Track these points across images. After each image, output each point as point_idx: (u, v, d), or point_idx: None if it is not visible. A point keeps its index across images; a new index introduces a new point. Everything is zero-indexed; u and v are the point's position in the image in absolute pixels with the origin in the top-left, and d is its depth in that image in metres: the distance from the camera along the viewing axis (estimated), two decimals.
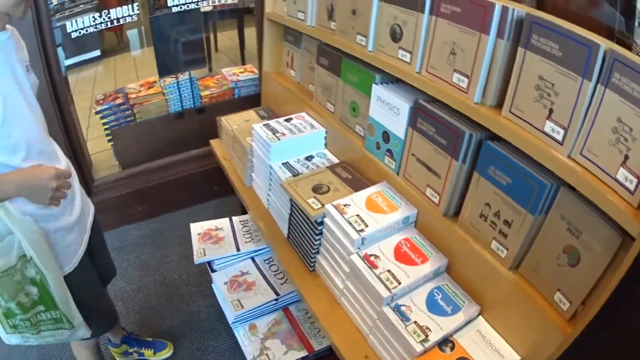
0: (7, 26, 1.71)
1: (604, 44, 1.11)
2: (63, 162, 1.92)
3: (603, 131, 1.13)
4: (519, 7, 1.35)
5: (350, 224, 1.77)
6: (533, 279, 1.42)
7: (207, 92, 3.98)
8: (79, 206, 1.97)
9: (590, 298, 1.22)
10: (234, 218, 3.01)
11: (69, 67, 3.57)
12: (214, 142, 3.25)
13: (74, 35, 3.34)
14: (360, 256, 1.71)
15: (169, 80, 3.90)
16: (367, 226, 1.75)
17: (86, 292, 2.00)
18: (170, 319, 3.03)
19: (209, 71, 5.95)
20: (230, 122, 2.92)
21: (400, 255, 1.71)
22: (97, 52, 3.58)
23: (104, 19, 3.40)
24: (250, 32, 4.72)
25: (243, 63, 6.29)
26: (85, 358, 2.29)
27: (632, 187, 1.08)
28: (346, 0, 2.05)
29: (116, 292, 3.18)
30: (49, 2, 3.05)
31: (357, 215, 1.80)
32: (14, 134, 1.62)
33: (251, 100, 3.74)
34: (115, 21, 3.48)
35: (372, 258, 1.69)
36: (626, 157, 1.09)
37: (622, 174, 1.10)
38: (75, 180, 2.02)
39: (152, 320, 3.04)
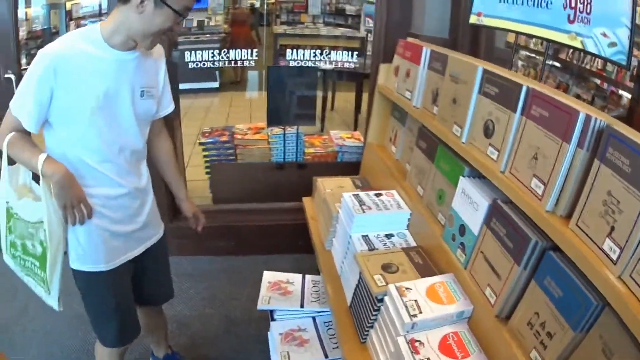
0: (155, 49, 2.00)
1: None
2: (143, 182, 2.19)
3: None
4: (603, 117, 1.41)
5: (406, 307, 1.83)
6: None
7: (311, 150, 4.16)
8: (140, 223, 2.20)
9: None
10: (307, 276, 3.10)
11: (184, 92, 3.79)
12: (306, 200, 3.40)
13: (190, 65, 3.60)
14: (406, 340, 1.76)
15: (277, 130, 4.10)
16: (421, 313, 1.81)
17: (114, 296, 2.19)
18: (220, 352, 3.16)
19: (321, 130, 6.14)
20: (325, 184, 3.06)
21: (444, 347, 1.75)
22: (216, 84, 3.77)
23: (222, 57, 3.65)
24: (367, 97, 4.88)
25: (355, 127, 6.49)
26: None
27: None
28: (449, 88, 2.17)
29: (174, 315, 3.37)
30: None
31: (415, 301, 1.86)
32: (95, 141, 1.90)
33: (351, 167, 3.83)
34: (233, 62, 3.70)
35: (416, 344, 1.74)
36: None
37: None
38: (149, 199, 2.26)
39: (202, 348, 3.18)
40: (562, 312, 1.43)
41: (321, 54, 3.78)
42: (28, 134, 1.87)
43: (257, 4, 10.25)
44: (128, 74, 1.92)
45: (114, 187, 2.03)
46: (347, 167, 3.96)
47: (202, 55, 3.58)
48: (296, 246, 3.98)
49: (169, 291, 2.62)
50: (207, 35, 9.11)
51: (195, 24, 9.33)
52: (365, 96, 5.91)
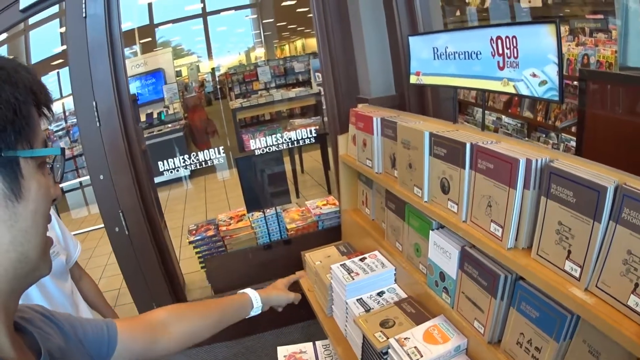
0: None
1: (617, 179, 1.28)
2: None
3: (615, 264, 1.28)
4: (546, 153, 1.56)
5: (408, 355, 1.98)
6: None
7: (293, 225, 4.22)
8: None
9: None
10: (317, 343, 3.16)
11: (161, 184, 3.89)
12: (299, 274, 3.45)
13: (165, 174, 3.75)
14: None
15: (257, 214, 4.20)
16: (422, 356, 1.97)
17: None
18: None
19: (296, 196, 6.21)
20: (313, 257, 3.18)
21: None
22: (187, 172, 3.86)
23: (192, 161, 3.79)
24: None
25: (328, 185, 6.63)
26: None
27: None
28: (403, 155, 2.31)
29: None
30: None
31: (415, 347, 2.02)
32: None
33: (334, 232, 3.94)
34: (203, 163, 3.85)
35: None
36: (636, 285, 1.23)
37: (633, 300, 1.24)
38: None
39: None
40: (542, 329, 1.58)
41: (282, 137, 3.92)
42: None
43: (209, 84, 10.39)
44: None
45: None
46: (329, 233, 4.06)
47: (174, 162, 3.72)
48: (300, 315, 4.04)
49: None
50: (169, 125, 9.26)
51: (155, 115, 9.45)
52: (330, 151, 6.05)
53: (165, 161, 3.70)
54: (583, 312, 1.37)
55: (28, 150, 0.80)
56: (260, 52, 11.34)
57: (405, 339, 2.08)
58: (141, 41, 9.69)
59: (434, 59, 2.28)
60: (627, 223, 1.24)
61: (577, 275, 1.40)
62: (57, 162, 0.89)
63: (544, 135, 4.77)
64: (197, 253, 4.24)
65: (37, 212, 0.82)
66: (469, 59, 2.06)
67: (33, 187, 0.81)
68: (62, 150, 0.90)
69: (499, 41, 1.85)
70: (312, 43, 11.91)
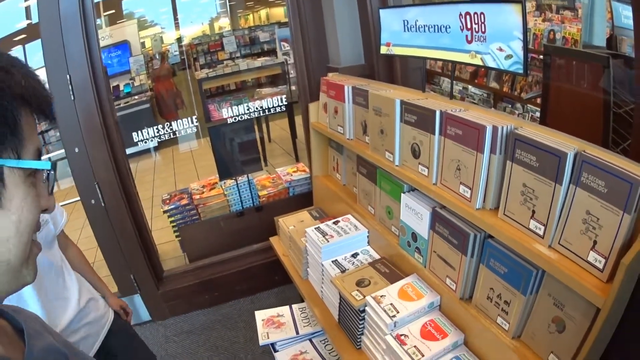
0: None
1: (577, 146, 1.40)
2: (72, 306, 2.09)
3: (575, 223, 1.40)
4: (511, 121, 1.66)
5: (385, 311, 2.08)
6: (531, 345, 1.67)
7: (264, 192, 4.26)
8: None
9: (577, 357, 1.44)
10: (293, 306, 3.24)
11: (129, 156, 3.85)
12: (273, 240, 3.57)
13: (140, 145, 3.74)
14: (393, 336, 2.01)
15: (229, 182, 4.23)
16: (398, 312, 2.07)
17: None
18: None
19: (264, 164, 6.22)
20: (286, 222, 3.25)
21: (425, 334, 2.01)
22: (155, 143, 3.84)
23: (166, 130, 3.78)
24: (300, 120, 4.69)
25: (296, 153, 6.66)
26: None
27: (600, 266, 1.33)
28: (375, 121, 2.38)
29: None
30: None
31: (391, 304, 2.12)
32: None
33: (305, 198, 4.02)
34: (176, 132, 3.82)
35: (402, 337, 2.00)
36: (595, 243, 1.34)
37: (592, 256, 1.35)
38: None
39: None
40: (510, 283, 1.69)
41: (252, 105, 3.93)
42: None
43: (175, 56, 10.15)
44: None
45: None
46: (301, 199, 4.13)
47: (148, 132, 3.70)
48: (274, 281, 4.13)
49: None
50: (136, 97, 9.09)
51: (121, 87, 9.30)
52: (297, 119, 6.05)
53: (140, 132, 3.69)
54: (547, 267, 1.48)
55: (13, 160, 0.75)
56: (224, 22, 11.17)
57: (381, 296, 2.18)
58: (105, 13, 9.49)
59: (404, 31, 2.34)
60: (585, 186, 1.36)
61: (541, 233, 1.52)
62: (51, 171, 0.84)
63: (510, 106, 4.85)
64: (171, 222, 4.25)
65: (21, 223, 0.77)
66: (438, 32, 2.13)
67: (17, 197, 0.76)
68: (54, 164, 0.85)
69: (468, 17, 1.92)
70: (277, 12, 11.79)
